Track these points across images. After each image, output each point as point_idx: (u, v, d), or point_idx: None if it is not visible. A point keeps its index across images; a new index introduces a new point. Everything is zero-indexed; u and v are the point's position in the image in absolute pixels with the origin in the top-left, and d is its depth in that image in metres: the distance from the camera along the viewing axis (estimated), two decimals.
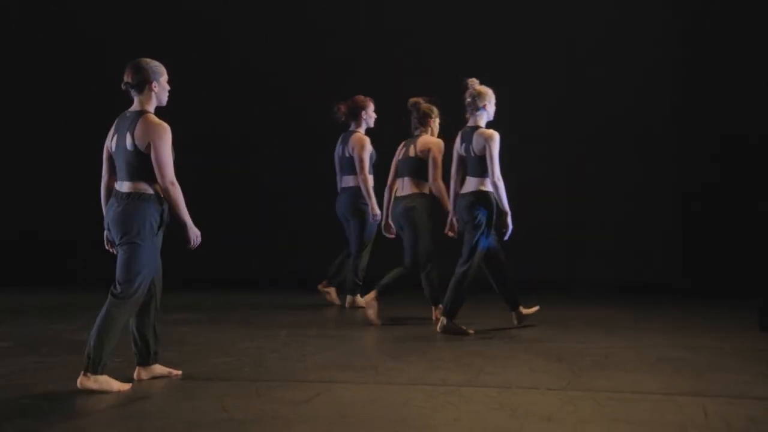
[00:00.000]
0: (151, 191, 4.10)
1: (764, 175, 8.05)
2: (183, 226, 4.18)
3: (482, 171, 5.58)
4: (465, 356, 4.96)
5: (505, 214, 5.59)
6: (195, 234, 4.21)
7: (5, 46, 9.31)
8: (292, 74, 8.97)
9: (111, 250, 4.26)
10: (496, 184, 5.54)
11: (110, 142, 4.19)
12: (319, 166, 7.69)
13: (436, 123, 6.26)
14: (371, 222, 6.64)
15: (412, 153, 6.12)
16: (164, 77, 4.23)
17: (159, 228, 4.16)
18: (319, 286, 6.98)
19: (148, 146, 4.06)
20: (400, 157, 6.20)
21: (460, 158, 5.72)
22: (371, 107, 6.76)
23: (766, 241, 7.35)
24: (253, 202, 9.01)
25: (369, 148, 6.65)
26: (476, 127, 5.67)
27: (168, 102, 4.29)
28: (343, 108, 6.70)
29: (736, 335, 5.70)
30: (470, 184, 5.65)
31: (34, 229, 9.19)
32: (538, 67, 8.65)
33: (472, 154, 5.63)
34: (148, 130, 4.08)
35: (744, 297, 6.87)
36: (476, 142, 5.60)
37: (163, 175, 4.06)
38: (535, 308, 6.01)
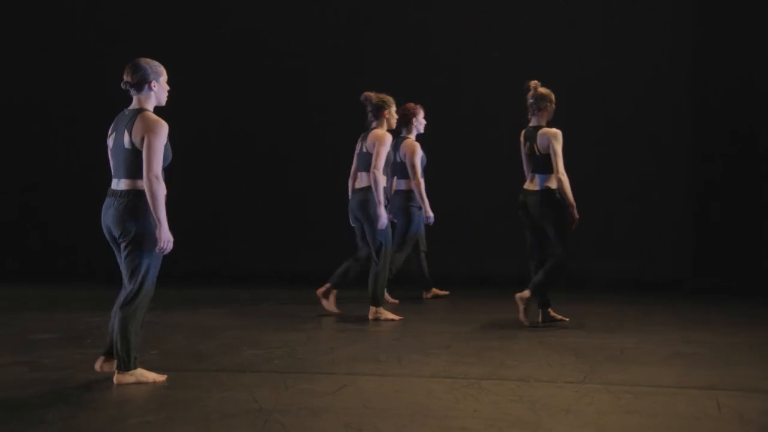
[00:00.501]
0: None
1: None
2: (157, 223, 3.96)
3: (548, 168, 5.69)
4: (485, 350, 4.97)
5: (572, 206, 5.68)
6: (166, 237, 3.98)
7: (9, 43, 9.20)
8: (309, 72, 8.88)
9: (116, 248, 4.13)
10: (560, 179, 5.65)
11: (109, 140, 4.13)
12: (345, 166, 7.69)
13: (392, 114, 6.14)
14: (417, 222, 6.81)
15: (364, 148, 6.08)
16: (163, 77, 4.14)
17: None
18: (425, 294, 7.17)
19: (142, 141, 3.96)
20: (357, 151, 6.18)
21: (527, 157, 5.85)
22: (421, 114, 6.89)
23: None
24: (281, 199, 9.03)
25: (420, 153, 6.78)
26: (539, 127, 5.78)
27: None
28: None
29: (748, 331, 5.67)
30: (538, 181, 5.77)
31: (81, 224, 9.17)
32: (547, 66, 8.60)
33: (537, 153, 5.74)
34: (144, 126, 3.97)
35: (756, 294, 6.84)
36: (540, 141, 5.72)
37: (149, 167, 3.92)
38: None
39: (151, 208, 3.96)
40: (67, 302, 6.97)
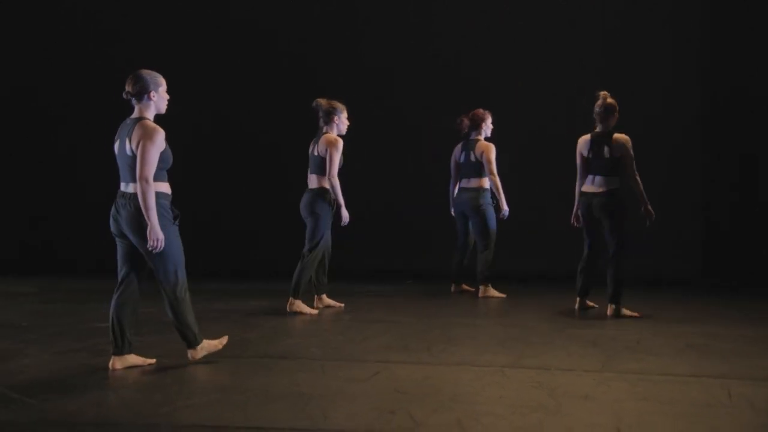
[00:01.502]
0: (156, 189, 4.01)
1: None
2: (148, 223, 3.97)
3: (614, 171, 5.86)
4: (508, 341, 4.97)
5: (647, 203, 5.85)
6: (156, 236, 3.98)
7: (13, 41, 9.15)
8: (308, 72, 8.76)
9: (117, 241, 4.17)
10: (637, 180, 5.83)
11: (114, 147, 4.17)
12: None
13: (341, 120, 6.10)
14: (491, 218, 6.95)
15: (316, 152, 6.06)
16: (163, 87, 4.16)
17: (175, 219, 4.10)
18: (454, 288, 7.23)
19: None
20: (310, 154, 6.16)
21: (590, 160, 5.95)
22: (489, 119, 7.02)
23: None
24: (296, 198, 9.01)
25: (495, 152, 6.93)
26: (609, 132, 5.91)
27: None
28: (465, 121, 6.97)
29: (759, 324, 5.59)
30: (603, 183, 5.89)
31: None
32: (567, 79, 8.55)
33: (606, 156, 5.86)
34: (141, 133, 4.01)
35: (763, 288, 6.73)
36: (614, 146, 5.85)
37: (140, 170, 3.95)
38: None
39: (142, 209, 3.97)
40: None
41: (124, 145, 4.09)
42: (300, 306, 6.01)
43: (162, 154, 4.05)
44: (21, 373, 4.07)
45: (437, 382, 3.91)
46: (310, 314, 5.95)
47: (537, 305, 6.26)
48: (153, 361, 4.27)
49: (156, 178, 4.02)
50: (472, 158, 6.92)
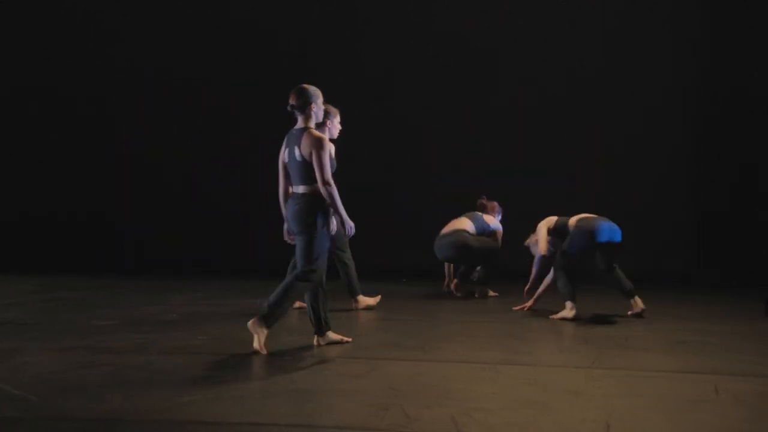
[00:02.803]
0: (319, 192, 4.46)
1: None
2: (339, 218, 4.54)
3: None
4: (501, 338, 5.00)
5: None
6: (349, 226, 4.58)
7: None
8: (309, 73, 8.72)
9: (289, 241, 4.69)
10: None
11: (283, 155, 4.60)
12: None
13: (333, 125, 5.83)
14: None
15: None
16: (320, 99, 4.61)
17: (327, 220, 4.54)
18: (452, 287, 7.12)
19: (310, 155, 4.43)
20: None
21: None
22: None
23: None
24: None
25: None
26: None
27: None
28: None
29: (747, 321, 5.65)
30: None
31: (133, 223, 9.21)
32: (562, 86, 8.55)
33: None
34: (310, 143, 4.46)
35: (753, 287, 6.78)
36: None
37: (321, 176, 4.43)
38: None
39: (331, 207, 4.48)
40: (130, 293, 7.11)
41: (293, 152, 4.52)
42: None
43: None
44: (22, 371, 4.10)
45: (430, 378, 3.94)
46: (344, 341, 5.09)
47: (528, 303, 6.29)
48: (350, 339, 4.77)
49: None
50: None
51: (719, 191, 8.24)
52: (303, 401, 3.55)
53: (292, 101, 4.53)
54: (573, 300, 5.70)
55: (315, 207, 4.47)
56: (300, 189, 4.52)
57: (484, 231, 7.03)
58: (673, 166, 8.52)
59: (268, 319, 4.48)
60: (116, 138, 9.16)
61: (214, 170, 9.06)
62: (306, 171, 4.47)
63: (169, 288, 7.35)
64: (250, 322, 4.48)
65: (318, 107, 4.58)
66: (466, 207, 7.26)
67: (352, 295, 6.16)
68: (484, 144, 8.63)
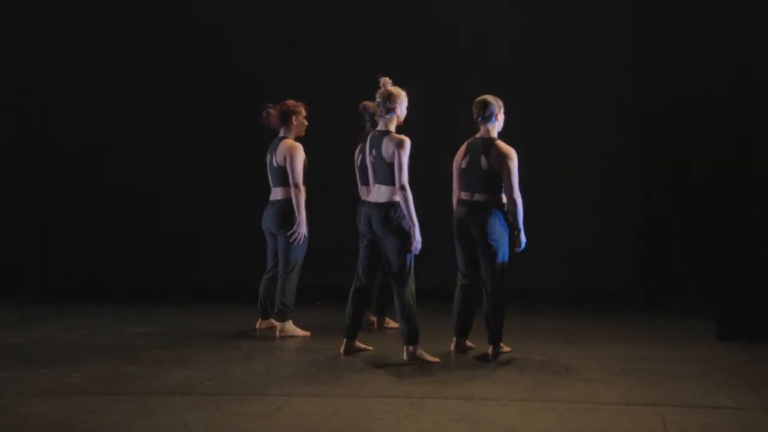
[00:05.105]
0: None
1: (718, 185, 8.19)
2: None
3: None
4: (427, 368, 4.98)
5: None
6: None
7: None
8: (309, 73, 8.74)
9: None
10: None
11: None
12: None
13: (401, 113, 5.73)
14: None
15: (370, 158, 6.14)
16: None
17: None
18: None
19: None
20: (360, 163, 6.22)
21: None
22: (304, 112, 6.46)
23: (722, 250, 7.48)
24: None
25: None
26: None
27: None
28: (273, 113, 6.28)
29: (694, 345, 5.79)
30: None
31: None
32: (499, 84, 8.71)
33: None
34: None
35: (700, 308, 6.98)
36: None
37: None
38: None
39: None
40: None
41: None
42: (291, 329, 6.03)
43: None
44: None
45: (347, 416, 3.89)
46: (303, 335, 6.01)
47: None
48: (371, 348, 5.36)
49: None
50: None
51: (658, 203, 8.50)
52: None
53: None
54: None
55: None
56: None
57: None
58: (614, 178, 8.74)
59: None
60: None
61: None
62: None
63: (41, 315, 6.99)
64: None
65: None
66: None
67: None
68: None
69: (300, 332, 6.05)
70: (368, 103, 6.03)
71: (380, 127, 5.21)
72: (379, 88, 5.29)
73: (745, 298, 6.03)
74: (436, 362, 5.12)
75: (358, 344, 5.43)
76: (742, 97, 8.26)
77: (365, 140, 5.65)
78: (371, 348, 5.44)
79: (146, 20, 8.96)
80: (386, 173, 5.11)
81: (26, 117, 9.01)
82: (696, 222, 8.30)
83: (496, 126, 5.37)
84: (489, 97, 5.38)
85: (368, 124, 6.04)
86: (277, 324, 6.02)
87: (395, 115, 5.20)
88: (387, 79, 5.32)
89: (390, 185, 5.11)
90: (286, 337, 5.95)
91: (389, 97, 5.17)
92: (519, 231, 5.28)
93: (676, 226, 8.39)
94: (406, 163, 5.04)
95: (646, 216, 8.53)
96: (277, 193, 6.11)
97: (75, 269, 8.80)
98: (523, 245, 5.33)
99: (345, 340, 5.39)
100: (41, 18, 8.99)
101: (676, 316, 7.08)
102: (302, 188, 5.97)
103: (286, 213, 6.00)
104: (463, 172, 5.37)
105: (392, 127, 5.21)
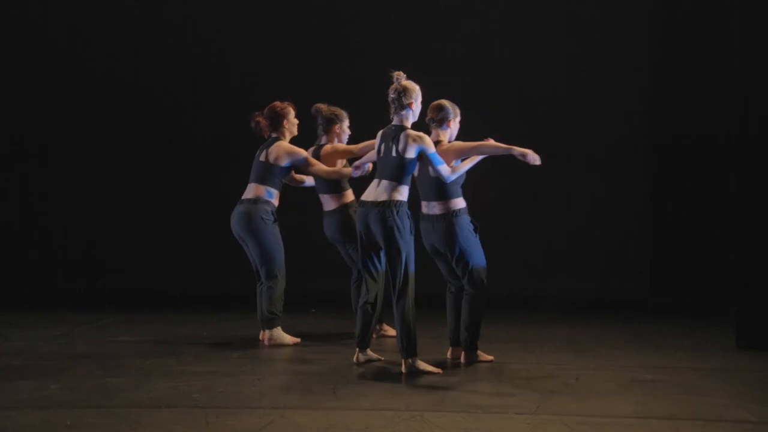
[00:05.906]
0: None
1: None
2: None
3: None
4: (428, 379, 4.94)
5: None
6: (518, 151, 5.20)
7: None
8: (309, 73, 8.89)
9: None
10: None
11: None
12: None
13: (344, 129, 6.17)
14: None
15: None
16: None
17: (475, 230, 5.27)
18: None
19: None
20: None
21: None
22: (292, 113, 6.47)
23: (741, 257, 7.44)
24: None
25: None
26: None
27: None
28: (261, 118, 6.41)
29: (712, 355, 5.75)
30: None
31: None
32: (499, 80, 8.71)
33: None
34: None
35: (717, 314, 6.95)
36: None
37: (442, 175, 5.12)
38: None
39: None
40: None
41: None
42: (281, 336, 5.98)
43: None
44: None
45: (344, 431, 3.86)
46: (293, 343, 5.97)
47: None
48: (382, 358, 5.34)
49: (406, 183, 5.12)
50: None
51: (677, 210, 8.48)
52: None
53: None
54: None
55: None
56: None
57: None
58: (630, 186, 8.74)
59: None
60: None
61: None
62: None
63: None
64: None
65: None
66: None
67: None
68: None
69: (289, 339, 6.00)
70: (321, 106, 6.14)
71: (395, 122, 5.18)
72: (392, 83, 5.23)
73: (765, 303, 5.98)
74: (437, 373, 5.06)
75: (370, 353, 5.39)
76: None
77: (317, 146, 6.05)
78: (383, 358, 5.39)
79: (149, 20, 9.10)
80: (393, 169, 5.12)
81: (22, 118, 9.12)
82: (710, 228, 8.28)
83: (447, 133, 5.31)
84: (446, 102, 5.31)
85: (320, 127, 6.15)
86: (266, 332, 5.98)
87: (410, 111, 5.15)
88: (401, 73, 5.25)
89: (393, 181, 5.10)
90: (275, 345, 5.91)
91: (405, 92, 5.12)
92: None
93: (690, 232, 8.37)
94: (438, 156, 5.09)
95: (658, 223, 8.50)
96: (249, 191, 6.06)
97: (55, 274, 8.84)
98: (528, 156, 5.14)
99: (357, 349, 5.35)
100: (41, 18, 9.15)
101: (691, 324, 7.04)
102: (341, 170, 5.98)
103: (255, 213, 5.93)
104: (417, 179, 5.37)
105: (408, 123, 5.18)
